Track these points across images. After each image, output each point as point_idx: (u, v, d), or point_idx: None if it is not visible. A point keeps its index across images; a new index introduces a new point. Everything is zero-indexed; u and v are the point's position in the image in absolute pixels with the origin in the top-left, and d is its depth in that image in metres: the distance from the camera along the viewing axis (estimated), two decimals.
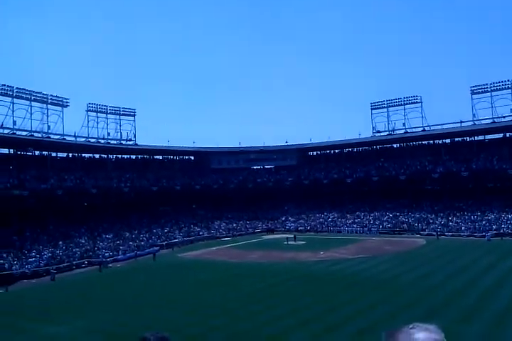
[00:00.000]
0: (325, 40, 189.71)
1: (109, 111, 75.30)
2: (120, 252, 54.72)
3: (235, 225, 77.17)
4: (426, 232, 64.14)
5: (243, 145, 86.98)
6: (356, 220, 74.17)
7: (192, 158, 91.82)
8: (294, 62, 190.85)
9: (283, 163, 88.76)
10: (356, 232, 70.22)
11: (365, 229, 70.44)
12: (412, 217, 69.78)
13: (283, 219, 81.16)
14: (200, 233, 70.62)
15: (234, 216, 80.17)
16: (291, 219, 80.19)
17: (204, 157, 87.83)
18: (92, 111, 73.51)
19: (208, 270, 43.51)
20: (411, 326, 1.77)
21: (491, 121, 70.74)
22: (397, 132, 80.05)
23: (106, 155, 77.09)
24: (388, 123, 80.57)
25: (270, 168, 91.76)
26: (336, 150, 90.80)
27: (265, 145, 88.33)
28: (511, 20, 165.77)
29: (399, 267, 40.44)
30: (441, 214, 67.82)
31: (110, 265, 48.96)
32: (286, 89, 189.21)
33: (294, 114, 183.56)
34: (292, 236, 63.18)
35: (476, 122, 72.06)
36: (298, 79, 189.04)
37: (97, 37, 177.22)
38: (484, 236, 56.79)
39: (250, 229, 76.39)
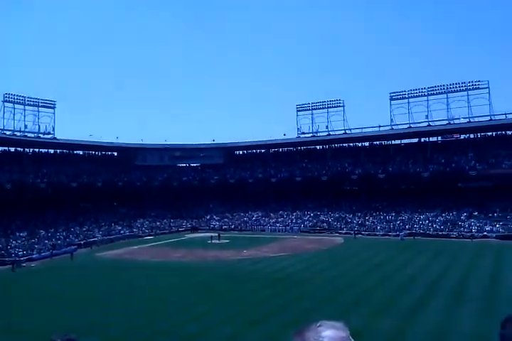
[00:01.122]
0: (252, 39, 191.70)
1: (27, 103, 71.31)
2: (35, 251, 52.06)
3: (158, 223, 75.95)
4: (344, 231, 66.80)
5: (169, 142, 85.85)
6: (279, 219, 75.69)
7: (115, 154, 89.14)
8: (221, 61, 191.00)
9: (209, 161, 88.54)
10: (279, 231, 71.67)
11: (288, 227, 72.15)
12: (332, 217, 72.37)
13: (207, 217, 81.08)
14: (122, 232, 68.79)
15: (158, 214, 78.89)
16: (216, 218, 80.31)
17: (128, 153, 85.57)
18: (8, 101, 69.33)
19: (129, 269, 42.53)
20: (318, 324, 1.79)
21: (408, 126, 74.90)
22: (321, 134, 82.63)
23: (22, 149, 72.98)
24: (312, 125, 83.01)
25: (196, 166, 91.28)
26: (262, 150, 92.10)
27: (191, 143, 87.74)
28: (429, 30, 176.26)
29: (318, 265, 41.81)
30: (359, 214, 70.93)
31: (24, 264, 46.46)
32: (215, 88, 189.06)
33: (222, 113, 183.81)
34: (216, 234, 63.31)
35: (394, 127, 76.00)
36: (226, 78, 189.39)
37: (15, 22, 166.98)
38: (398, 235, 60.06)
39: (174, 228, 75.55)
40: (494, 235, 56.24)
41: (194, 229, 75.30)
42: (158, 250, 55.37)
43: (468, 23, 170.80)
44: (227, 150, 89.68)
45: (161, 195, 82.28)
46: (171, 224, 76.85)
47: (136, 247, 57.74)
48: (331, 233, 67.05)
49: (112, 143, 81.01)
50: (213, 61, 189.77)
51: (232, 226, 76.26)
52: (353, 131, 79.90)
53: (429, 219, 64.24)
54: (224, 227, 75.31)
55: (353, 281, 33.96)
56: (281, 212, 77.62)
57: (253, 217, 78.33)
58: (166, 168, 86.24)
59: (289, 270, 39.35)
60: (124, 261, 47.78)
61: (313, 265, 41.76)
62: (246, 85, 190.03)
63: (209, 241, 60.18)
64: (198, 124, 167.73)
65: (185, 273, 39.86)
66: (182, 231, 74.50)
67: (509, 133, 70.84)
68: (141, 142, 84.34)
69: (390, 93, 76.79)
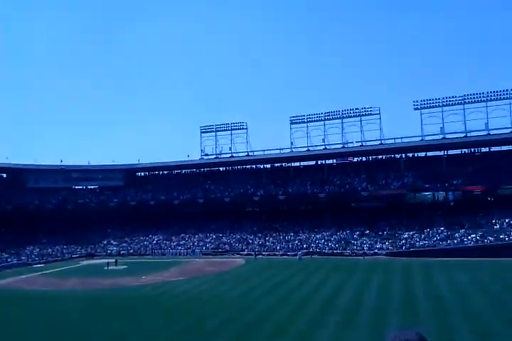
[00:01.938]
0: (158, 61, 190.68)
1: None
2: None
3: (50, 250, 71.18)
4: (245, 252, 67.22)
5: (65, 163, 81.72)
6: (181, 242, 74.45)
7: (4, 175, 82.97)
8: (122, 80, 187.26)
9: (109, 183, 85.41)
10: (180, 254, 70.37)
11: (189, 250, 71.10)
12: (234, 238, 72.61)
13: (105, 242, 77.55)
14: (9, 260, 63.55)
15: (50, 240, 74.04)
16: (114, 243, 77.07)
17: (19, 175, 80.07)
18: None
19: (14, 300, 39.15)
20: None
21: (306, 149, 77.93)
22: (224, 156, 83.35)
23: None
24: (216, 147, 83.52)
25: (94, 188, 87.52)
26: (165, 172, 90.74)
27: (90, 163, 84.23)
28: (325, 57, 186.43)
29: (219, 287, 41.42)
30: (260, 235, 71.89)
31: None
32: (118, 108, 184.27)
33: (123, 134, 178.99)
34: (114, 260, 60.61)
35: (294, 149, 78.70)
36: (130, 97, 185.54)
37: None
38: (296, 255, 61.53)
39: (67, 255, 71.16)
40: (384, 252, 59.61)
41: (90, 256, 71.52)
42: (48, 279, 51.68)
43: (357, 54, 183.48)
44: (128, 172, 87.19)
45: (54, 218, 77.49)
46: (64, 251, 72.38)
47: (24, 276, 53.51)
48: (233, 255, 67.13)
49: (1, 163, 75.42)
50: (115, 80, 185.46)
51: (131, 250, 73.62)
52: (255, 153, 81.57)
53: (325, 238, 66.71)
54: (122, 252, 72.42)
55: (254, 301, 34.06)
56: (183, 234, 76.44)
57: (154, 240, 76.29)
58: (60, 190, 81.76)
59: (190, 293, 38.53)
60: (9, 291, 43.97)
61: (214, 287, 41.31)
62: (150, 106, 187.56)
63: (105, 268, 57.40)
64: (99, 145, 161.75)
65: (75, 302, 37.47)
66: (76, 257, 70.38)
67: (397, 156, 76.22)
68: (33, 163, 79.44)
69: (290, 117, 79.75)
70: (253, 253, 65.26)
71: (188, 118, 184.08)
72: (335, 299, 33.82)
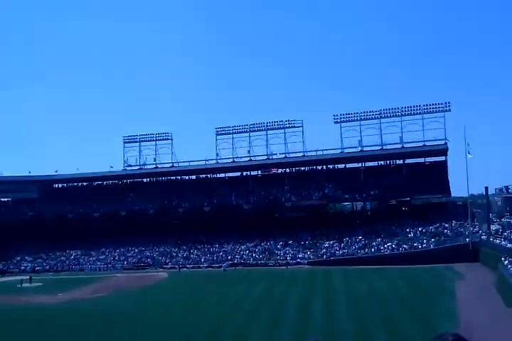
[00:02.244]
0: (79, 69, 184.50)
1: None
2: None
3: None
4: (169, 266, 65.97)
5: None
6: (101, 257, 71.73)
7: None
8: (42, 88, 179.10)
9: (23, 195, 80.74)
10: (100, 270, 67.74)
11: (110, 265, 68.63)
12: (157, 251, 71.04)
13: (18, 258, 72.94)
14: None
15: None
16: (28, 259, 72.70)
17: None
18: None
19: None
20: None
21: (232, 160, 78.31)
22: (148, 167, 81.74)
23: None
24: (140, 158, 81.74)
25: (6, 200, 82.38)
26: (85, 183, 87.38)
27: (2, 175, 79.32)
28: (246, 67, 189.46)
29: (140, 302, 40.30)
30: (184, 248, 70.92)
31: None
32: (32, 120, 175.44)
33: (40, 145, 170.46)
34: (28, 277, 57.14)
35: (219, 161, 78.78)
36: (46, 109, 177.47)
37: None
38: (221, 266, 61.28)
39: None
40: (306, 261, 60.92)
41: (1, 273, 66.91)
42: None
43: (282, 67, 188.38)
44: (44, 184, 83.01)
45: None
46: None
47: None
48: (156, 268, 65.69)
49: None
50: (33, 87, 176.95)
51: (47, 267, 69.82)
52: (180, 164, 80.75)
53: (249, 249, 67.08)
54: (37, 269, 68.55)
55: (177, 315, 33.53)
56: (103, 249, 73.59)
57: (71, 255, 72.84)
58: None
59: (109, 311, 37.11)
60: None
61: (134, 303, 40.11)
62: (71, 114, 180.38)
63: (19, 286, 54.00)
64: (14, 156, 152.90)
65: None
66: None
67: (319, 168, 78.54)
68: None
69: (216, 128, 79.83)
70: (177, 266, 64.23)
71: (110, 128, 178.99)
72: (258, 310, 34.06)
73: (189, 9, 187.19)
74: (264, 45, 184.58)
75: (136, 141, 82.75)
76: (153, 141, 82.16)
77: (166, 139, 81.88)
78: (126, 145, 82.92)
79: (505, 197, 75.16)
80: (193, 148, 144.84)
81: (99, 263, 69.75)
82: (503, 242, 48.19)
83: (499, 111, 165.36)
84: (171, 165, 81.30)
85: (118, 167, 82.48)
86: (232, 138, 78.62)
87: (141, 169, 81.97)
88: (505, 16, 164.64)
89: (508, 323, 26.46)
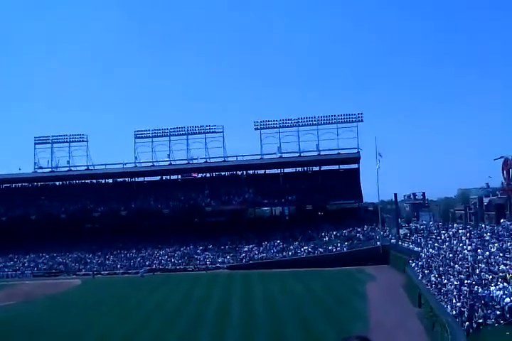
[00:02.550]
0: None
1: None
2: None
3: None
4: (83, 272, 63.43)
5: None
6: (8, 263, 67.46)
7: None
8: None
9: None
10: (8, 277, 63.66)
11: (18, 272, 64.75)
12: (70, 258, 67.99)
13: None
14: None
15: None
16: None
17: None
18: None
19: None
20: None
21: (151, 164, 77.06)
22: (61, 169, 78.27)
23: None
24: (52, 160, 78.07)
25: None
26: None
27: None
28: (167, 69, 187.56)
29: (51, 310, 38.57)
30: (99, 253, 68.48)
31: None
32: None
33: None
34: None
35: (138, 164, 77.17)
36: None
37: None
38: (138, 272, 59.91)
39: None
40: (225, 266, 61.30)
41: None
42: None
43: (202, 71, 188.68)
44: None
45: None
46: None
47: None
48: (69, 275, 62.95)
49: None
50: None
51: None
52: (96, 168, 78.20)
53: (168, 254, 66.23)
54: None
55: (89, 323, 32.44)
56: (11, 255, 69.18)
57: None
58: None
59: (17, 319, 35.10)
60: None
61: (45, 311, 38.28)
62: None
63: None
64: None
65: None
66: None
67: (239, 173, 79.48)
68: None
69: (135, 131, 78.22)
70: (91, 273, 61.94)
71: (20, 128, 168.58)
72: (176, 315, 33.85)
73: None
74: (187, 48, 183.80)
75: (49, 142, 79.00)
76: (67, 142, 78.91)
77: (81, 141, 78.91)
78: (37, 146, 78.94)
79: (412, 203, 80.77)
80: (111, 151, 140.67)
81: (6, 270, 65.55)
82: (411, 246, 51.70)
83: (408, 122, 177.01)
84: (85, 168, 78.46)
85: (28, 169, 78.26)
86: (152, 141, 77.51)
87: (54, 172, 78.29)
88: (413, 27, 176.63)
89: (415, 323, 28.49)
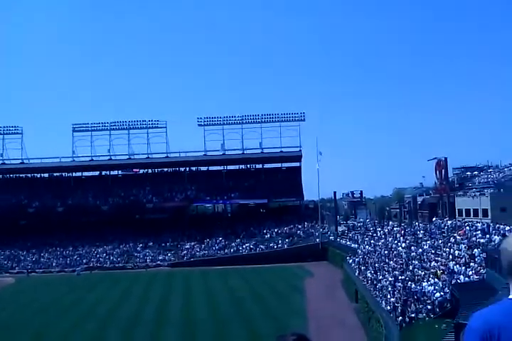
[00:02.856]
0: None
1: None
2: None
3: None
4: (16, 270, 60.78)
5: None
6: None
7: None
8: None
9: None
10: None
11: None
12: (2, 255, 64.89)
13: None
14: None
15: None
16: None
17: None
18: None
19: None
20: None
21: (90, 159, 74.70)
22: None
23: None
24: None
25: None
26: None
27: None
28: (114, 66, 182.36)
29: None
30: (34, 251, 65.79)
31: None
32: None
33: None
34: None
35: (76, 159, 74.60)
36: None
37: None
38: (74, 270, 58.06)
39: None
40: (166, 263, 60.65)
41: None
42: None
43: (141, 65, 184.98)
44: None
45: None
46: None
47: None
48: (1, 273, 59.94)
49: None
50: None
51: None
52: (31, 161, 74.94)
53: (106, 252, 64.62)
54: None
55: (22, 323, 31.19)
56: None
57: None
58: None
59: None
60: None
61: None
62: None
63: None
64: None
65: None
66: None
67: (182, 169, 78.65)
68: None
69: (73, 124, 75.54)
70: (25, 271, 59.38)
71: None
72: (113, 315, 33.15)
73: None
74: (131, 42, 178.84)
75: None
76: (0, 134, 74.97)
77: (15, 133, 75.20)
78: None
79: (350, 201, 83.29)
80: (47, 144, 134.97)
81: None
82: (349, 242, 53.35)
83: (349, 123, 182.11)
84: (20, 161, 75.01)
85: None
86: (91, 135, 75.01)
87: None
88: (348, 26, 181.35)
89: (352, 317, 29.49)
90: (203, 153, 74.09)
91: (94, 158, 74.87)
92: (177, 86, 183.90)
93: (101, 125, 75.65)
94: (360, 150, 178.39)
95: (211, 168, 79.65)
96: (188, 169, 78.63)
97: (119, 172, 78.81)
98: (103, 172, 79.28)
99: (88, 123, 75.72)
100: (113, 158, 74.76)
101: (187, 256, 62.72)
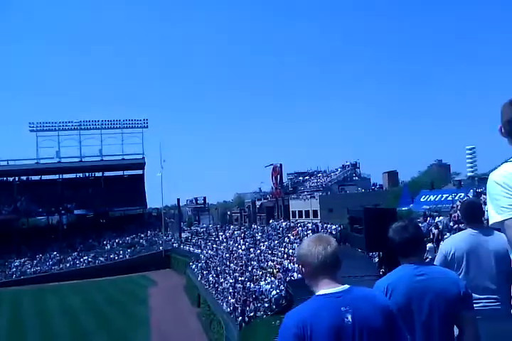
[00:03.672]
0: None
1: None
2: None
3: None
4: None
5: None
6: None
7: None
8: None
9: None
10: None
11: None
12: None
13: None
14: None
15: None
16: None
17: None
18: None
19: None
20: None
21: None
22: None
23: None
24: None
25: None
26: None
27: None
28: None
29: None
30: None
31: None
32: None
33: None
34: None
35: None
36: None
37: None
38: None
39: None
40: None
41: None
42: None
43: None
44: None
45: None
46: None
47: None
48: None
49: None
50: None
51: None
52: None
53: None
54: None
55: None
56: None
57: None
58: None
59: None
60: None
61: None
62: None
63: None
64: None
65: None
66: None
67: (10, 179, 71.44)
68: None
69: None
70: None
71: None
72: None
73: None
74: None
75: None
76: None
77: None
78: None
79: (194, 207, 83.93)
80: None
81: None
82: (192, 248, 53.63)
83: (192, 130, 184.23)
84: None
85: None
86: None
87: None
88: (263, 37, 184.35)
89: (194, 322, 29.63)
90: (35, 161, 68.50)
91: None
92: (7, 89, 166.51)
93: None
94: (203, 157, 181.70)
95: (44, 177, 73.67)
96: (17, 179, 71.61)
97: None
98: None
99: None
100: None
101: (16, 273, 56.89)
